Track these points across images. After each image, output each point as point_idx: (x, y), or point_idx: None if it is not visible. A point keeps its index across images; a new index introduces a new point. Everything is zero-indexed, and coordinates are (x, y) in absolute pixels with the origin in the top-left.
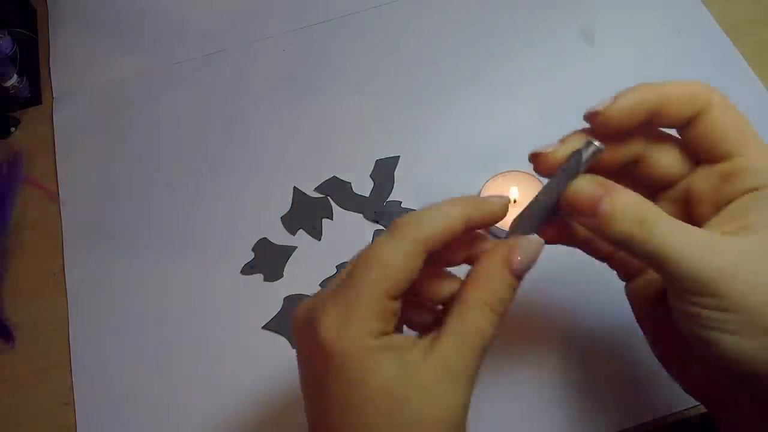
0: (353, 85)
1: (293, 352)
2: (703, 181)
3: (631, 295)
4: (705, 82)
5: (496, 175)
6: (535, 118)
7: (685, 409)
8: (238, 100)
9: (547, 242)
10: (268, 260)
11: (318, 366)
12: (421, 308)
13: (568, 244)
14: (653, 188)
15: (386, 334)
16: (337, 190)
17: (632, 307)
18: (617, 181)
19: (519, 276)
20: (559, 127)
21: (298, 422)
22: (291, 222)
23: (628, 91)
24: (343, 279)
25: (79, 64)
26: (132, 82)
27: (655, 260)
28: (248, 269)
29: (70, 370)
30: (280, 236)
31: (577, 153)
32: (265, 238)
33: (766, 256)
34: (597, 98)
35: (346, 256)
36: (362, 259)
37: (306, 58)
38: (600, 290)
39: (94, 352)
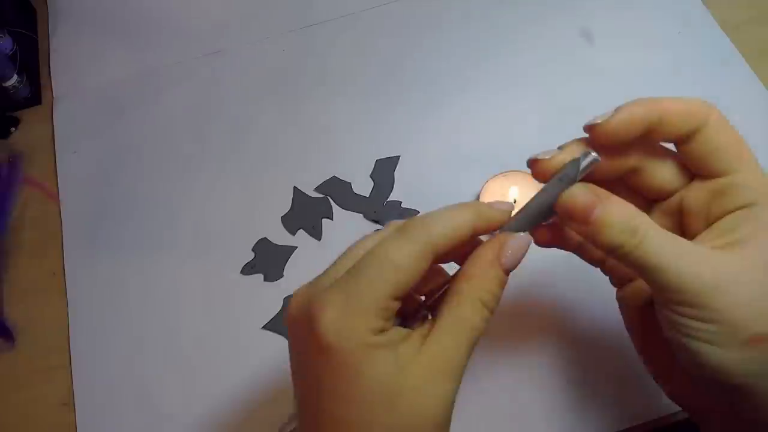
0: (353, 85)
1: None
2: (696, 195)
3: (621, 302)
4: (704, 100)
5: (496, 175)
6: (536, 118)
7: None
8: (238, 100)
9: (542, 245)
10: (268, 260)
11: (313, 358)
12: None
13: (562, 248)
14: (649, 198)
15: (384, 330)
16: (337, 190)
17: (622, 313)
18: (614, 189)
19: (507, 271)
20: (559, 127)
21: None
22: (291, 222)
23: (627, 105)
24: (347, 273)
25: (79, 64)
26: (132, 82)
27: (643, 269)
28: (248, 269)
29: (70, 370)
30: (280, 236)
31: (575, 161)
32: (265, 238)
33: (750, 271)
34: (597, 98)
35: None
36: (370, 257)
37: (306, 58)
38: (600, 290)
39: (94, 352)
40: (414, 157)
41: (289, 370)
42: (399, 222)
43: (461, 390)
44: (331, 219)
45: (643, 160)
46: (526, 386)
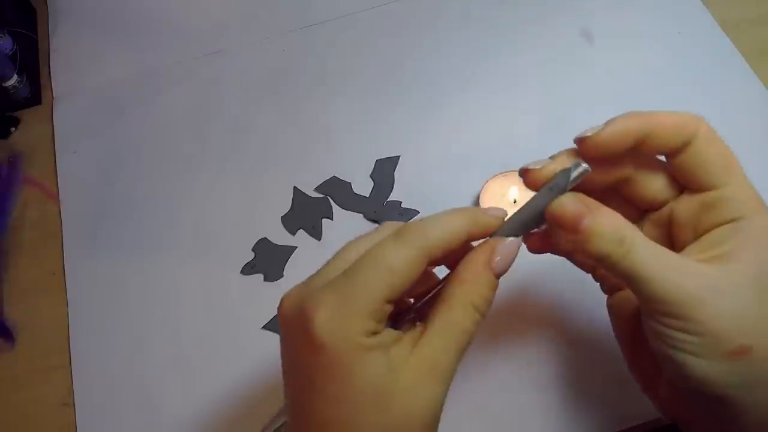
0: (353, 85)
1: None
2: (685, 208)
3: (610, 310)
4: (694, 113)
5: (495, 176)
6: (535, 118)
7: None
8: (238, 100)
9: (535, 251)
10: (268, 260)
11: (306, 357)
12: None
13: (555, 254)
14: (641, 208)
15: (377, 332)
16: (337, 190)
17: (612, 323)
18: (607, 198)
19: (498, 276)
20: (559, 127)
21: None
22: (291, 222)
23: (617, 118)
24: (343, 274)
25: (79, 64)
26: (132, 82)
27: (629, 279)
28: (248, 269)
29: (70, 370)
30: (280, 236)
31: (565, 171)
32: (265, 238)
33: (734, 285)
34: (597, 99)
35: None
36: (367, 259)
37: (306, 58)
38: (598, 291)
39: (94, 352)
40: (414, 157)
41: None
42: (394, 222)
43: (459, 390)
44: (331, 219)
45: (634, 171)
46: (523, 386)
